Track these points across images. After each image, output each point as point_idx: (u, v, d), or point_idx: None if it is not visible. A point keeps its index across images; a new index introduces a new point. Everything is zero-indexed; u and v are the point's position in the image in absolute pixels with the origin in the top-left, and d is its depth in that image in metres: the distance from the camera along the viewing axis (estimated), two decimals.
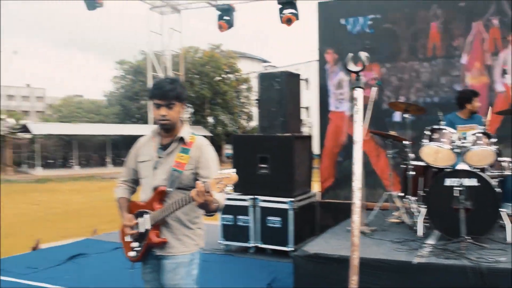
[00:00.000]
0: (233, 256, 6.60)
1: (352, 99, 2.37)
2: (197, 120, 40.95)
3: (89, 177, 31.42)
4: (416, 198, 5.56)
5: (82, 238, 8.36)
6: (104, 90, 46.01)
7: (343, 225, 5.95)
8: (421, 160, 5.34)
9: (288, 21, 9.13)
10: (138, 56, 41.81)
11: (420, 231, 5.06)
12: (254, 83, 46.19)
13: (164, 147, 3.02)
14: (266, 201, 6.57)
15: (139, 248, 3.00)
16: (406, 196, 5.70)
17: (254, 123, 46.58)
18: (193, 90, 38.25)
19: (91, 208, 15.53)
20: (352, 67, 2.34)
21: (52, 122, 45.25)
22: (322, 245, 4.80)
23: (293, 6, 9.08)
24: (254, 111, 46.74)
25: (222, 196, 2.81)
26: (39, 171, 33.82)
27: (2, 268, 5.84)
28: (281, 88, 6.75)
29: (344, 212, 6.69)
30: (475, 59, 7.17)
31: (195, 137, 3.05)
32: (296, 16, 9.11)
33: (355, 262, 2.27)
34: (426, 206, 5.03)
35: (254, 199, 6.62)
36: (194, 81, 39.51)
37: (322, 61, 8.04)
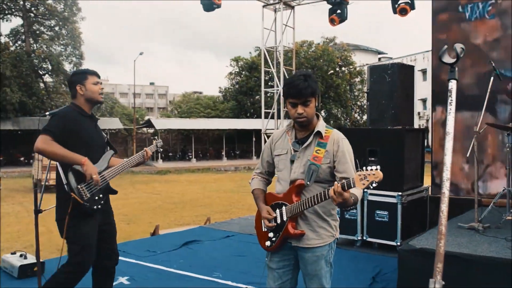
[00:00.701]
0: (339, 249, 6.57)
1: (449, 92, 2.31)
2: None
3: (205, 169, 32.84)
4: None
5: (197, 226, 8.88)
6: (220, 86, 47.74)
7: (455, 221, 5.71)
8: None
9: (403, 11, 8.83)
10: (253, 52, 42.88)
11: None
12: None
13: (300, 141, 3.05)
14: (374, 195, 6.48)
15: (275, 239, 3.08)
16: None
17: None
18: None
19: (205, 198, 16.32)
20: (447, 59, 2.28)
21: (173, 117, 47.92)
22: (429, 240, 4.66)
23: None
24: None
25: (359, 191, 2.81)
26: (160, 163, 35.89)
27: (125, 250, 6.35)
28: (392, 80, 6.61)
29: (457, 208, 6.45)
30: None
31: (331, 130, 3.07)
32: (410, 5, 8.78)
33: (440, 250, 2.26)
34: None
35: (363, 192, 6.54)
36: None
37: (436, 51, 7.71)
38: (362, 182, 2.58)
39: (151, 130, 42.33)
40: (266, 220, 3.07)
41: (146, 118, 48.19)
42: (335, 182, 2.71)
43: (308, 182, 2.93)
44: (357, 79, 44.40)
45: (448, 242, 4.65)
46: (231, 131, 41.21)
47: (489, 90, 5.34)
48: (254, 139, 40.61)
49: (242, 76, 44.18)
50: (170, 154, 40.58)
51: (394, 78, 6.61)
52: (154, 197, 16.85)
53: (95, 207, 3.58)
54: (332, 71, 42.23)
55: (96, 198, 3.59)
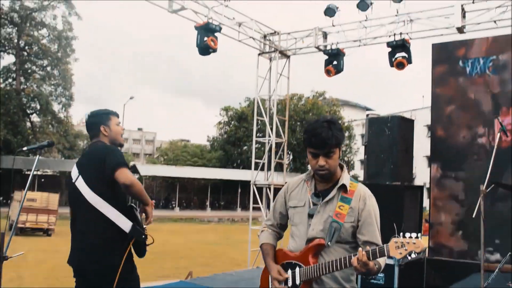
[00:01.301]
0: None
1: None
2: (296, 167, 40.92)
3: (188, 219, 32.16)
4: None
5: (177, 280, 8.29)
6: (208, 135, 47.71)
7: (458, 286, 5.34)
8: None
9: (400, 65, 8.69)
10: (243, 103, 43.08)
11: None
12: (357, 131, 45.71)
13: (320, 193, 2.73)
14: None
15: None
16: None
17: (354, 172, 45.58)
18: (294, 137, 38.38)
19: (187, 249, 15.73)
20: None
21: (159, 164, 47.41)
22: None
23: (406, 49, 8.65)
24: (355, 159, 46.14)
25: (383, 259, 2.47)
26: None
27: None
28: (391, 133, 6.37)
29: (454, 272, 6.10)
30: None
31: (357, 184, 2.72)
32: (407, 60, 8.68)
33: None
34: None
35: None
36: (296, 128, 39.71)
37: (435, 107, 7.53)
38: (398, 251, 2.22)
39: (136, 176, 41.62)
40: (276, 282, 2.68)
41: (132, 164, 47.65)
42: (359, 249, 2.37)
43: (329, 243, 2.56)
44: (346, 134, 44.50)
45: None
46: (217, 181, 40.73)
47: (495, 147, 5.10)
48: (239, 190, 40.08)
49: (231, 126, 44.16)
50: (153, 202, 39.74)
51: (394, 132, 6.40)
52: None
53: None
54: None
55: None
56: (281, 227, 2.98)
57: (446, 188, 7.03)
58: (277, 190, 11.32)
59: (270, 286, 2.76)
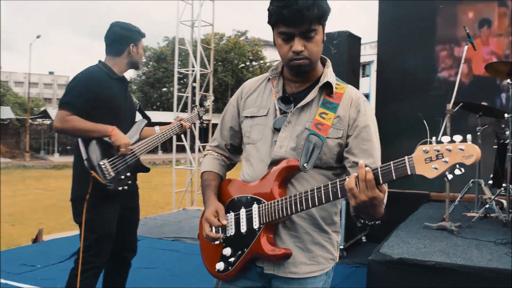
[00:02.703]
0: None
1: None
2: (218, 107, 39.99)
3: None
4: None
5: None
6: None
7: (413, 219, 4.77)
8: None
9: None
10: (161, 43, 41.14)
11: None
12: None
13: (292, 96, 1.85)
14: None
15: (234, 259, 1.80)
16: (501, 185, 4.48)
17: None
18: (216, 77, 37.23)
19: None
20: None
21: None
22: (403, 247, 3.62)
23: None
24: None
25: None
26: (56, 157, 33.21)
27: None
28: (338, 53, 5.55)
29: (407, 203, 5.57)
30: None
31: (345, 86, 1.86)
32: None
33: None
34: None
35: None
36: (218, 68, 38.50)
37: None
38: (432, 166, 1.37)
39: (48, 122, 38.99)
40: (207, 225, 1.81)
41: (43, 109, 44.54)
42: (360, 163, 1.50)
43: (305, 165, 1.70)
44: None
45: (425, 247, 3.63)
46: None
47: (462, 61, 4.43)
48: None
49: (149, 66, 42.07)
50: (68, 147, 37.44)
51: (341, 51, 5.57)
52: (47, 194, 14.83)
53: (120, 188, 3.01)
54: (242, 65, 41.42)
55: (122, 177, 3.04)
56: (233, 149, 2.09)
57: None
58: (202, 129, 10.41)
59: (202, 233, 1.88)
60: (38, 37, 36.02)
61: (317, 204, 1.61)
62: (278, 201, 1.70)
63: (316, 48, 1.73)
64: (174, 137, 9.67)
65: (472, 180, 4.69)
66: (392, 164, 1.43)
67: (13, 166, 27.43)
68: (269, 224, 1.73)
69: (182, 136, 9.62)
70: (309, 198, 1.62)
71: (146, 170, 3.28)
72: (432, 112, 5.14)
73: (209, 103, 11.04)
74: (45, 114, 37.40)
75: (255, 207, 1.77)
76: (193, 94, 10.10)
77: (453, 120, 4.27)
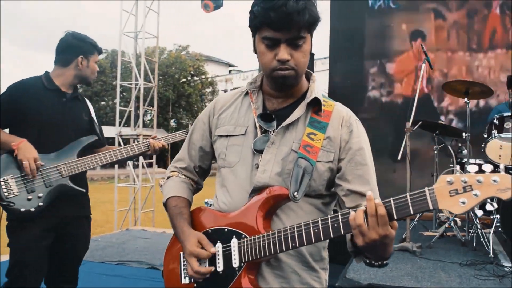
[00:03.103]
0: None
1: None
2: (159, 122, 39.28)
3: None
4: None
5: None
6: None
7: None
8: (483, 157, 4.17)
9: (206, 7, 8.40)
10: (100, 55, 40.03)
11: (490, 249, 3.83)
12: (220, 87, 45.02)
13: (275, 113, 1.63)
14: None
15: None
16: None
17: None
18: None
19: None
20: None
21: None
22: (369, 270, 3.46)
23: None
24: None
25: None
26: None
27: None
28: None
29: None
30: None
31: (333, 103, 1.66)
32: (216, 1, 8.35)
33: None
34: (500, 216, 3.80)
35: None
36: (159, 82, 37.87)
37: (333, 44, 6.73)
38: (459, 199, 1.16)
39: None
40: (194, 260, 1.54)
41: None
42: (368, 194, 1.29)
43: (295, 194, 1.46)
44: (208, 90, 43.67)
45: (391, 270, 3.49)
46: None
47: (420, 81, 4.39)
48: None
49: None
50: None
51: None
52: None
53: (32, 209, 2.64)
54: (184, 80, 40.93)
55: (30, 197, 2.66)
56: (201, 172, 1.85)
57: None
58: None
59: (182, 270, 1.63)
60: None
61: (313, 241, 1.38)
62: (263, 236, 1.46)
63: (304, 59, 1.54)
64: None
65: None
66: (409, 196, 1.23)
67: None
68: (251, 263, 1.49)
69: None
70: (304, 234, 1.39)
71: (77, 191, 2.86)
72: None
73: (154, 115, 10.64)
74: None
75: (234, 242, 1.52)
76: (136, 108, 9.72)
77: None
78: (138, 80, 9.28)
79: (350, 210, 1.31)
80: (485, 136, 4.32)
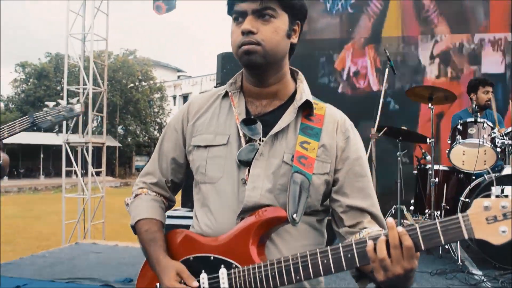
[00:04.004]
0: None
1: None
2: (106, 129, 38.34)
3: None
4: (440, 212, 4.27)
5: None
6: (1, 94, 41.95)
7: None
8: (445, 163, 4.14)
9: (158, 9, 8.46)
10: (43, 58, 38.77)
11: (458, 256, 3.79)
12: (169, 92, 44.40)
13: (259, 118, 1.43)
14: None
15: None
16: (423, 211, 4.40)
17: None
18: None
19: None
20: None
21: None
22: (340, 283, 3.32)
23: None
24: (168, 121, 44.79)
25: None
26: None
27: None
28: None
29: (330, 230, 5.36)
30: None
31: (324, 106, 1.47)
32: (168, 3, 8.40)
33: None
34: None
35: None
36: None
37: None
38: (499, 227, 1.00)
39: None
40: None
41: None
42: (389, 221, 1.11)
43: (294, 216, 1.27)
44: (157, 95, 42.98)
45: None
46: (14, 146, 36.10)
47: (384, 85, 4.31)
48: (42, 155, 36.07)
49: (29, 84, 39.23)
50: None
51: None
52: None
53: None
54: (132, 85, 40.10)
55: None
56: (173, 187, 1.61)
57: None
58: (96, 149, 9.60)
59: None
60: None
61: (322, 274, 1.19)
62: (259, 267, 1.25)
63: (274, 35, 1.35)
64: (64, 160, 8.77)
65: (394, 206, 4.57)
66: (438, 224, 1.06)
67: None
68: None
69: (72, 159, 8.80)
70: (310, 266, 1.19)
71: None
72: None
73: (104, 121, 10.25)
74: None
75: (223, 272, 1.30)
76: (84, 114, 9.31)
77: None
78: (86, 85, 8.88)
79: (367, 239, 1.13)
80: (449, 142, 4.30)
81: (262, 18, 1.33)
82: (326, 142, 1.39)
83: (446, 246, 4.03)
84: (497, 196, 1.02)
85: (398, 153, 4.55)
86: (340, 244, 1.17)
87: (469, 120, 4.16)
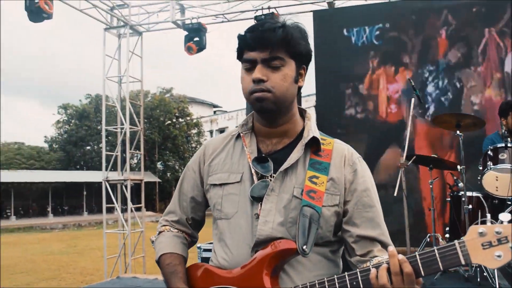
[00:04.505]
0: None
1: None
2: (146, 165, 39.02)
3: (27, 228, 28.72)
4: None
5: None
6: (46, 135, 43.33)
7: None
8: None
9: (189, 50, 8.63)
10: (83, 100, 40.16)
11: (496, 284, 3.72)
12: (205, 127, 45.03)
13: (270, 156, 1.53)
14: None
15: None
16: (459, 238, 4.34)
17: None
18: None
19: (27, 262, 13.39)
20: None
21: None
22: None
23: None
24: None
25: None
26: None
27: None
28: None
29: None
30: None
31: (332, 140, 1.58)
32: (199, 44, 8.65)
33: None
34: None
35: None
36: (144, 125, 37.85)
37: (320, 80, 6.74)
38: (495, 252, 1.08)
39: None
40: None
41: None
42: (390, 249, 1.22)
43: (304, 247, 1.36)
44: (194, 131, 43.67)
45: None
46: (59, 184, 37.10)
47: (411, 113, 4.35)
48: (85, 193, 36.89)
49: (71, 125, 40.59)
50: None
51: None
52: None
53: None
54: (169, 122, 40.95)
55: None
56: (194, 224, 1.73)
57: None
58: (135, 186, 9.84)
59: None
60: None
61: None
62: None
63: (283, 82, 1.45)
64: (104, 197, 9.05)
65: (429, 234, 4.53)
66: (436, 250, 1.15)
67: None
68: None
69: (112, 196, 9.05)
70: None
71: None
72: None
73: (142, 159, 10.50)
74: None
75: None
76: (123, 152, 9.60)
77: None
78: (123, 124, 9.20)
79: (371, 266, 1.21)
80: (480, 168, 4.27)
81: (271, 66, 1.44)
82: (334, 176, 1.48)
83: (484, 273, 3.98)
84: (491, 223, 1.06)
85: (429, 181, 4.55)
86: (346, 273, 1.25)
87: (499, 145, 4.14)
